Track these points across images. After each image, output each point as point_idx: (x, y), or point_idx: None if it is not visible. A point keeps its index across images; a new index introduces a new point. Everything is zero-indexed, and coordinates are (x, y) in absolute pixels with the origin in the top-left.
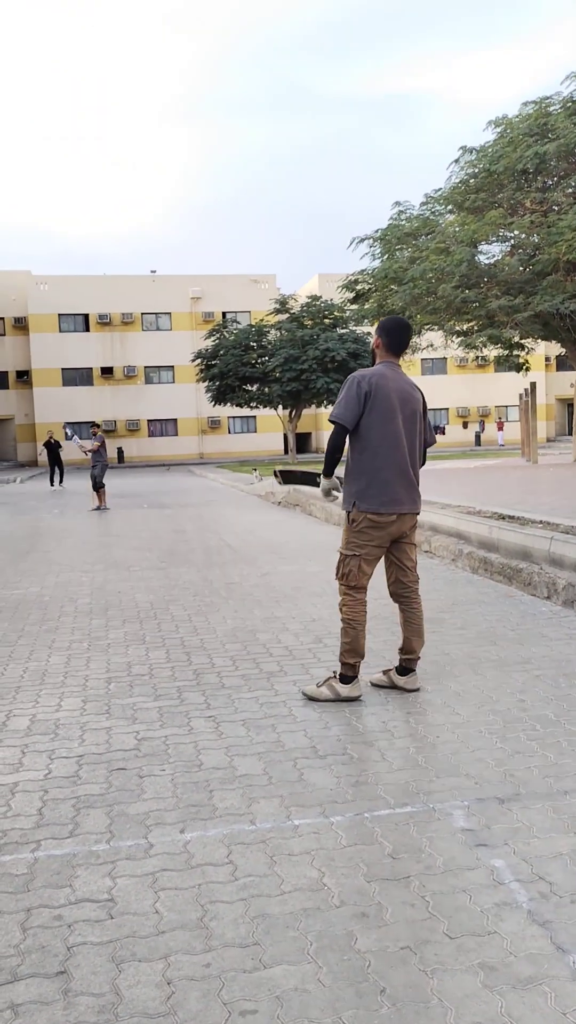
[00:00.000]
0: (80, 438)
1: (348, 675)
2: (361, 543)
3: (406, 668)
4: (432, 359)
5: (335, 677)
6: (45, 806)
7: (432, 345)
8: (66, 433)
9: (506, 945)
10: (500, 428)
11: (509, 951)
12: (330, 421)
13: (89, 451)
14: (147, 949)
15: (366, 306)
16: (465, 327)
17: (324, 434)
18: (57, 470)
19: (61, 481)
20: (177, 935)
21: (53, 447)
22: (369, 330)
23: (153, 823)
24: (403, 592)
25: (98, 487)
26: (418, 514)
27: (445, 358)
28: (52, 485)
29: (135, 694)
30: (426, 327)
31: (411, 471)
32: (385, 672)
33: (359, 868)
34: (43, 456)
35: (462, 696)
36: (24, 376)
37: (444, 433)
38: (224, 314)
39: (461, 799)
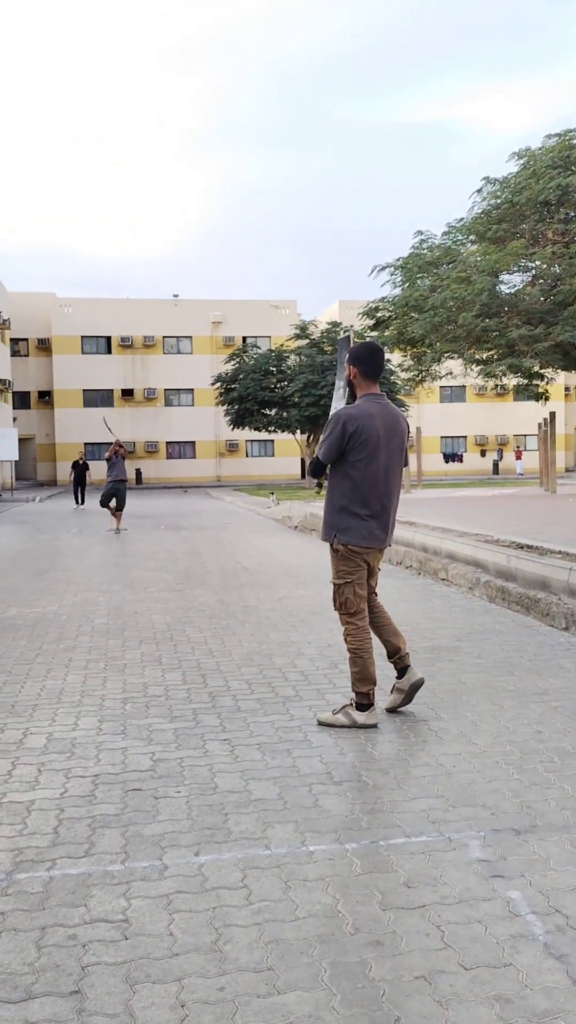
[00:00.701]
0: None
1: (364, 703)
2: (350, 569)
3: (402, 668)
4: (451, 387)
5: (351, 704)
6: (61, 825)
7: (451, 373)
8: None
9: (522, 978)
10: (518, 457)
11: (525, 984)
12: (318, 460)
13: (107, 457)
14: (161, 971)
15: (386, 333)
16: (485, 356)
17: None
18: (80, 490)
19: (83, 500)
20: (191, 958)
21: (81, 467)
22: (389, 357)
23: (168, 845)
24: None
25: (118, 508)
26: (386, 548)
27: (464, 386)
28: (77, 505)
29: (151, 715)
30: (446, 355)
31: (390, 508)
32: (394, 690)
33: (374, 896)
34: (70, 476)
35: (478, 726)
36: (46, 396)
37: (462, 461)
38: (244, 339)
39: (477, 829)
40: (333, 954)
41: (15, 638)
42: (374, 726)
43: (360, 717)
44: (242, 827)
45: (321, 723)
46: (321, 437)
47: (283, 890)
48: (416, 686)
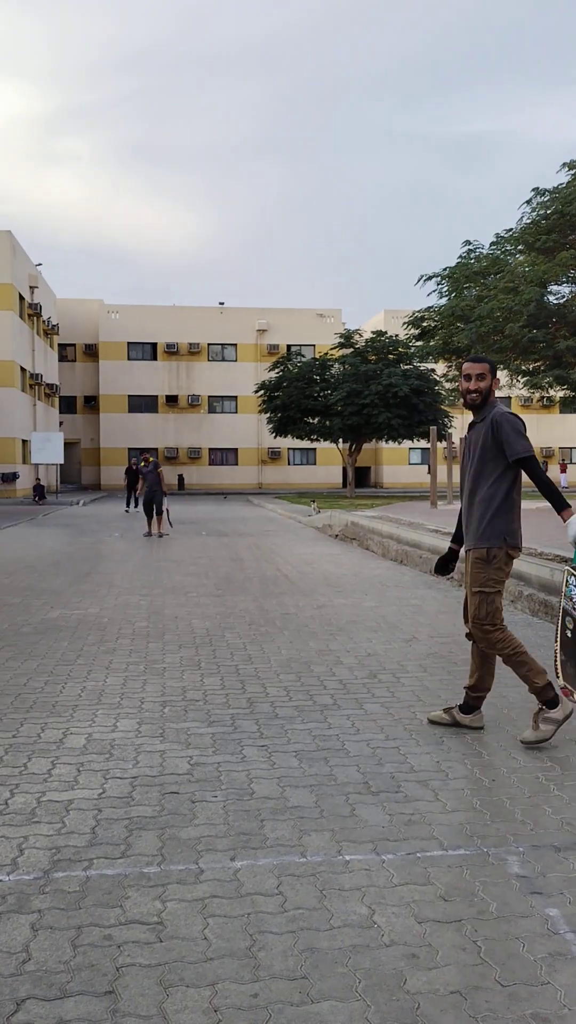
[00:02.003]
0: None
1: (552, 697)
2: (500, 578)
3: (472, 706)
4: (496, 398)
5: (543, 709)
6: (99, 825)
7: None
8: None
9: (560, 997)
10: (563, 470)
11: (563, 1003)
12: (525, 457)
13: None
14: (195, 975)
15: (431, 343)
16: (531, 367)
17: (384, 468)
18: (133, 495)
19: (138, 505)
20: (225, 963)
21: (133, 473)
22: (433, 367)
23: (204, 849)
24: None
25: (159, 512)
26: None
27: (510, 397)
28: (127, 509)
29: (189, 719)
30: None
31: None
32: (447, 710)
33: (410, 908)
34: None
35: (517, 741)
36: (92, 402)
37: None
38: (289, 347)
39: (516, 845)
40: (368, 965)
41: (57, 639)
42: (572, 713)
43: (556, 713)
44: (278, 834)
45: (528, 743)
46: (510, 436)
47: (318, 898)
48: (473, 728)
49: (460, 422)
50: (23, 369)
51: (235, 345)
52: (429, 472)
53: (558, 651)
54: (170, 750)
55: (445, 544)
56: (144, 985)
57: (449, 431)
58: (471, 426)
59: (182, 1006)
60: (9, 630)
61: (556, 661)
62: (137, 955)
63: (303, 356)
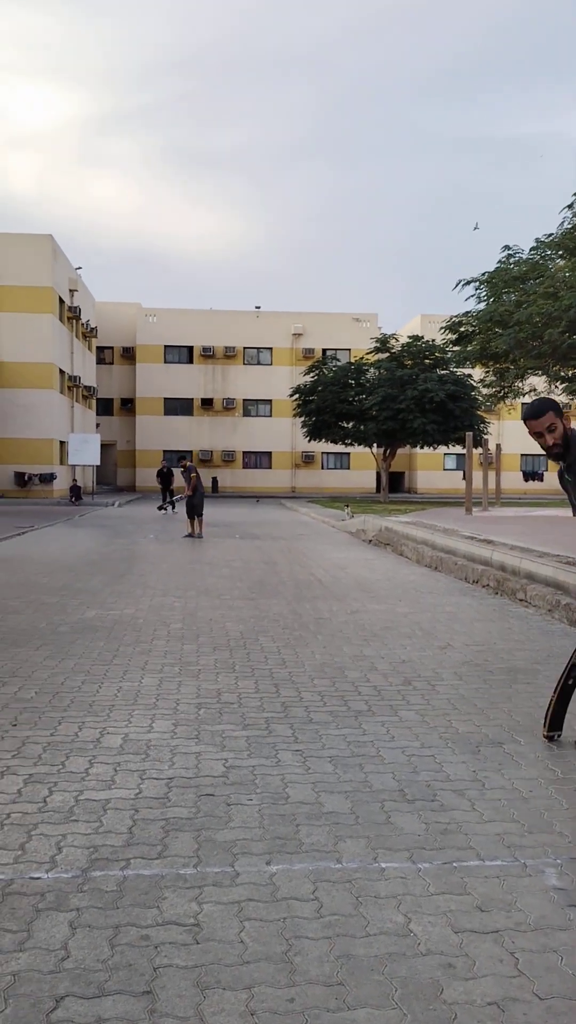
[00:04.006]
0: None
1: None
2: None
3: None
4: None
5: None
6: (135, 825)
7: (535, 390)
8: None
9: None
10: None
11: None
12: None
13: (186, 495)
14: (231, 978)
15: (469, 348)
16: (571, 372)
17: (418, 474)
18: (168, 496)
19: (174, 508)
20: (261, 967)
21: (166, 475)
22: (470, 372)
23: (240, 852)
24: None
25: (196, 515)
26: None
27: None
28: (163, 511)
29: (224, 721)
30: (529, 371)
31: None
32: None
33: (446, 917)
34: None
35: (556, 752)
36: (128, 404)
37: (542, 480)
38: (324, 351)
39: (554, 856)
40: (404, 973)
41: (93, 639)
42: None
43: None
44: (313, 839)
45: None
46: None
47: (354, 905)
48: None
49: (496, 428)
50: (62, 371)
51: (270, 349)
52: (464, 478)
53: (553, 701)
54: (205, 752)
55: (482, 552)
56: (181, 986)
57: (485, 437)
58: (568, 468)
59: (219, 1008)
60: (47, 629)
61: (549, 710)
62: (174, 956)
63: (338, 360)
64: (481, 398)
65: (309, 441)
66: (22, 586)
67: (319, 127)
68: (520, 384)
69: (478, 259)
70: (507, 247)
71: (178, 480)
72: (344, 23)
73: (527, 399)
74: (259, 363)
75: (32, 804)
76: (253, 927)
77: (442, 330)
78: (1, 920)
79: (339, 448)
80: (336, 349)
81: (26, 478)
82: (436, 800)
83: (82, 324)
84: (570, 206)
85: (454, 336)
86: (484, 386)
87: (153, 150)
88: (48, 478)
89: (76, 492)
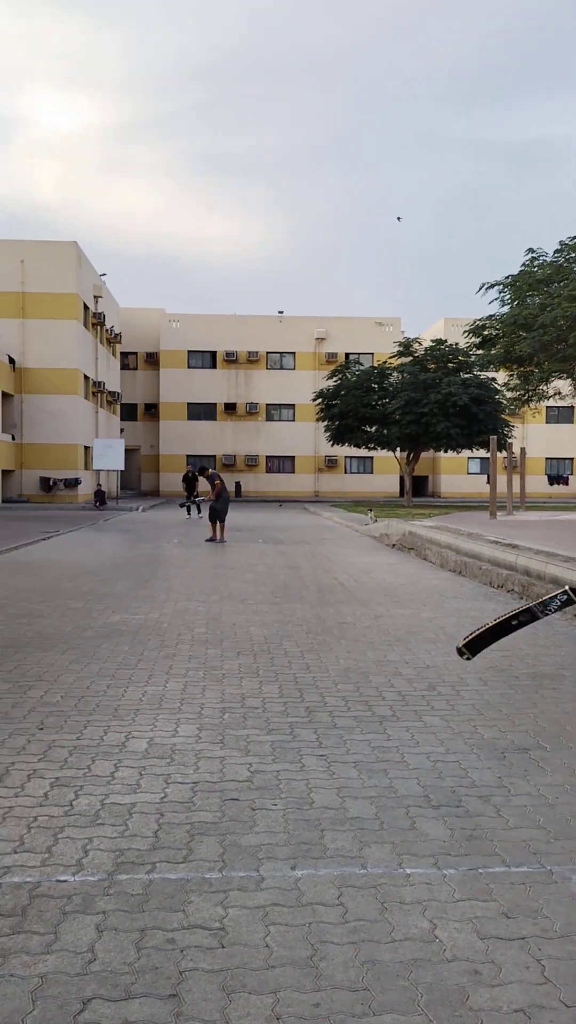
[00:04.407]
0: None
1: None
2: None
3: None
4: (558, 407)
5: None
6: (161, 829)
7: (559, 393)
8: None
9: None
10: None
11: None
12: None
13: (210, 499)
14: (257, 982)
15: (492, 351)
16: None
17: (442, 478)
18: (195, 496)
19: (199, 512)
20: (287, 971)
21: (191, 480)
22: (494, 375)
23: (265, 856)
24: None
25: (219, 520)
26: None
27: (572, 406)
28: (188, 515)
29: (248, 726)
30: (554, 375)
31: None
32: None
33: (472, 924)
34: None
35: None
36: (152, 409)
37: (567, 483)
38: (347, 355)
39: None
40: (429, 979)
41: (118, 643)
42: None
43: None
44: (338, 844)
45: None
46: None
47: (379, 911)
48: None
49: (521, 432)
50: (86, 377)
51: (293, 353)
52: (488, 482)
53: (489, 625)
54: (230, 756)
55: (507, 556)
56: (207, 990)
57: (509, 440)
58: None
59: (244, 1012)
60: (72, 633)
61: (479, 629)
62: (200, 960)
63: (361, 365)
64: (505, 402)
65: (332, 445)
66: (48, 591)
67: (338, 131)
68: (544, 388)
69: (502, 262)
70: (531, 250)
71: (203, 485)
72: (361, 27)
73: (552, 402)
74: (282, 368)
75: (59, 807)
76: (278, 932)
77: (466, 333)
78: (29, 923)
79: (362, 452)
80: (359, 353)
81: (51, 483)
82: (461, 806)
83: (106, 330)
84: None
85: (478, 339)
86: (508, 390)
87: (174, 156)
88: (73, 483)
89: (100, 497)
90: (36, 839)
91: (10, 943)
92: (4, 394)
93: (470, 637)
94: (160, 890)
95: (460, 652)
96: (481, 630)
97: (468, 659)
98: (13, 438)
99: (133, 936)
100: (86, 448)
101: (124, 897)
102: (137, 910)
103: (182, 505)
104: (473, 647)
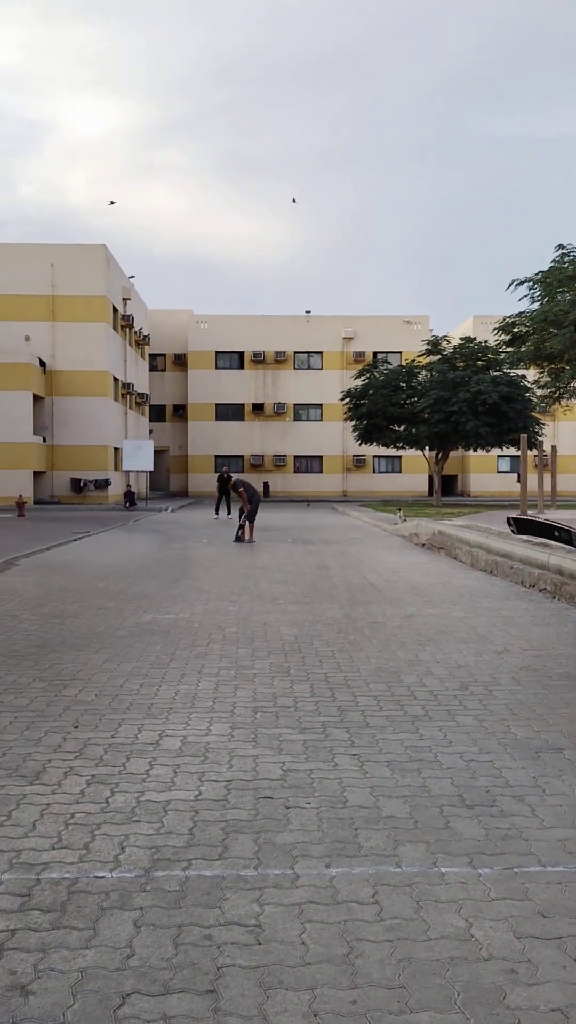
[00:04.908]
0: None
1: None
2: None
3: None
4: None
5: None
6: (196, 827)
7: None
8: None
9: None
10: None
11: None
12: None
13: (245, 508)
14: (294, 978)
15: (522, 348)
16: None
17: (471, 476)
18: (225, 500)
19: (229, 512)
20: (323, 968)
21: (224, 481)
22: (524, 373)
23: (299, 854)
24: None
25: (248, 520)
26: None
27: None
28: (216, 516)
29: (281, 725)
30: None
31: None
32: None
33: (508, 923)
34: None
35: None
36: (180, 410)
37: None
38: (375, 354)
39: None
40: (466, 977)
41: (150, 643)
42: None
43: None
44: (372, 843)
45: None
46: None
47: (415, 909)
48: None
49: (552, 430)
50: (116, 379)
51: (321, 353)
52: (519, 481)
53: (540, 519)
54: (263, 755)
55: (539, 555)
56: (244, 986)
57: (540, 438)
58: None
59: (282, 1008)
60: (105, 633)
61: (532, 516)
62: (237, 956)
63: (389, 363)
64: (535, 399)
65: (360, 445)
66: (80, 591)
67: (363, 129)
68: (574, 384)
69: (532, 259)
70: (561, 246)
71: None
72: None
73: None
74: (309, 367)
75: (95, 804)
76: (314, 929)
77: (495, 331)
78: (68, 918)
79: (390, 451)
80: (387, 352)
81: (82, 484)
82: (496, 805)
83: (135, 332)
84: None
85: (507, 337)
86: (539, 387)
87: (200, 158)
88: (103, 484)
89: (130, 498)
90: (74, 836)
91: (50, 938)
92: (35, 396)
93: (522, 517)
94: (196, 887)
95: (508, 522)
96: (533, 518)
97: (513, 532)
98: (44, 440)
99: (170, 932)
100: (116, 449)
101: (161, 893)
102: (174, 906)
103: (218, 515)
104: (521, 526)
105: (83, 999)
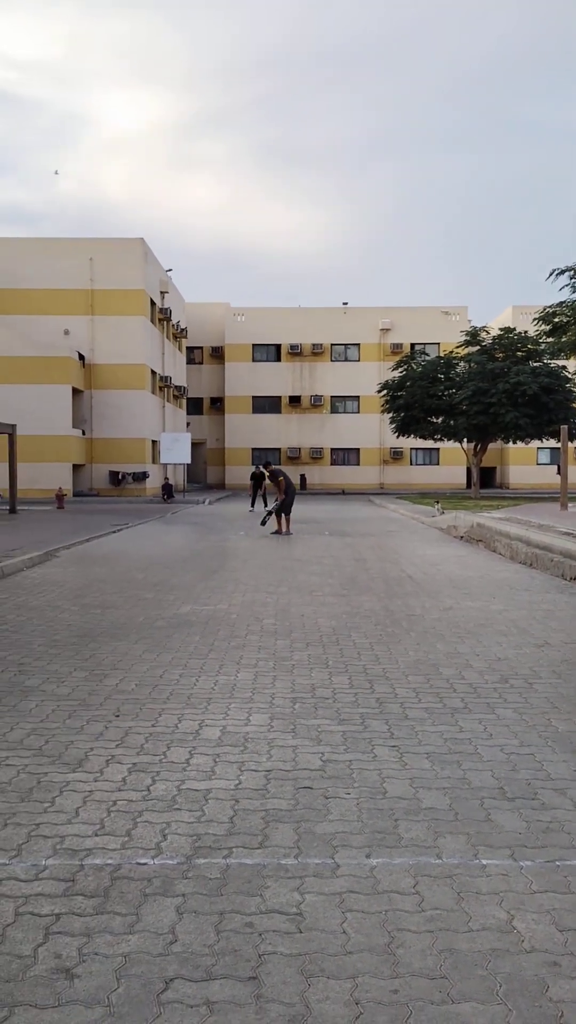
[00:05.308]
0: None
1: None
2: None
3: None
4: None
5: None
6: (236, 815)
7: None
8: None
9: None
10: None
11: None
12: None
13: (279, 499)
14: (335, 967)
15: (563, 339)
16: None
17: (510, 469)
18: (260, 494)
19: (266, 505)
20: (364, 957)
21: (258, 478)
22: (565, 363)
23: (339, 844)
24: None
25: (284, 513)
26: None
27: None
28: (251, 508)
29: (319, 716)
30: None
31: None
32: None
33: (550, 916)
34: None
35: None
36: (218, 403)
37: None
38: (413, 345)
39: None
40: (508, 969)
41: (189, 634)
42: None
43: None
44: (412, 834)
45: None
46: None
47: (456, 900)
48: None
49: None
50: (153, 372)
51: (358, 345)
52: (559, 473)
53: None
54: (302, 746)
55: None
56: (286, 974)
57: None
58: None
59: (324, 996)
60: (145, 624)
61: None
62: (278, 944)
63: (427, 355)
64: None
65: (397, 437)
66: (120, 582)
67: (400, 119)
68: None
69: (573, 248)
70: None
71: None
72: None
73: None
74: (347, 359)
75: (136, 792)
76: (355, 918)
77: (535, 321)
78: (111, 904)
79: (428, 444)
80: (425, 343)
81: (120, 477)
82: (537, 798)
83: (172, 325)
84: None
85: (548, 327)
86: None
87: (237, 150)
88: (141, 477)
89: (168, 490)
90: (116, 823)
91: (94, 923)
92: (74, 390)
93: None
94: (237, 875)
95: None
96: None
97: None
98: (83, 433)
99: (212, 919)
100: (153, 442)
101: (203, 881)
102: (215, 894)
103: (265, 512)
104: None
105: (127, 983)
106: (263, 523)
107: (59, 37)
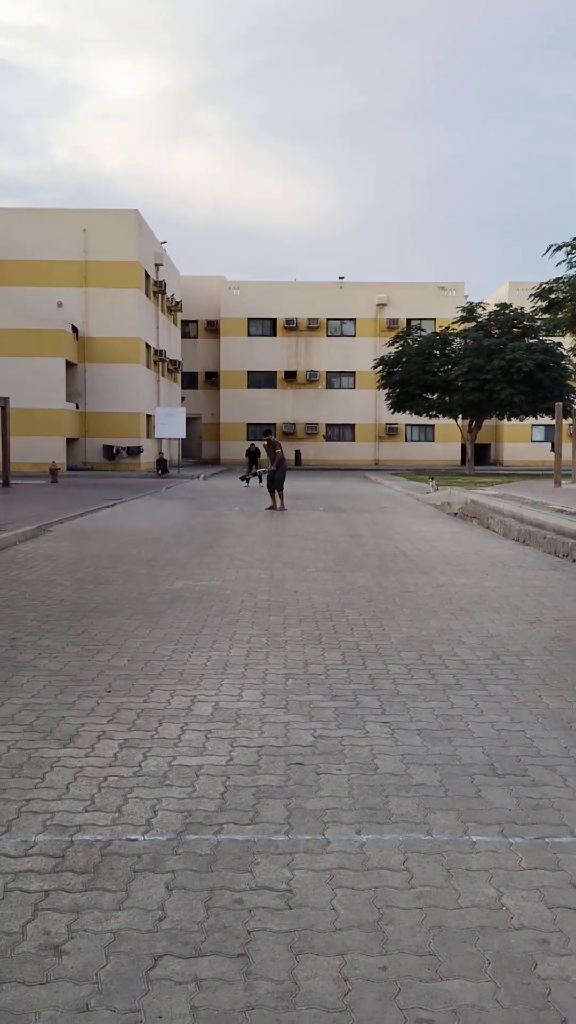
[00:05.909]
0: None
1: None
2: None
3: None
4: None
5: None
6: (227, 791)
7: None
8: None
9: None
10: None
11: None
12: None
13: (269, 468)
14: (324, 944)
15: (559, 315)
16: None
17: (505, 446)
18: (255, 468)
19: (260, 480)
20: (353, 934)
21: (254, 454)
22: (560, 340)
23: (330, 820)
24: None
25: (277, 488)
26: None
27: None
28: (246, 484)
29: (312, 692)
30: None
31: None
32: None
33: (539, 893)
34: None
35: None
36: (213, 377)
37: None
38: (409, 321)
39: None
40: (496, 946)
41: (182, 610)
42: None
43: None
44: (403, 810)
45: None
46: None
47: (445, 877)
48: None
49: None
50: (148, 346)
51: (354, 320)
52: (553, 450)
53: None
54: (294, 722)
55: (571, 525)
56: (275, 950)
57: (575, 407)
58: None
59: (312, 973)
60: (137, 599)
61: None
62: (268, 920)
63: (423, 331)
64: (572, 367)
65: (393, 413)
66: (113, 557)
67: (399, 92)
68: None
69: (570, 224)
70: None
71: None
72: None
73: None
74: (342, 335)
75: (128, 768)
76: (345, 895)
77: (531, 297)
78: (101, 880)
79: (423, 420)
80: (421, 319)
81: (114, 451)
82: (527, 775)
83: (167, 298)
84: None
85: (544, 303)
86: (575, 355)
87: (234, 121)
88: (135, 451)
89: (162, 465)
90: (107, 799)
91: (83, 899)
92: (68, 363)
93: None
94: (227, 851)
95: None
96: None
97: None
98: (77, 407)
99: (202, 895)
100: (148, 416)
101: (193, 857)
102: (205, 870)
103: (243, 478)
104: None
105: (115, 960)
106: (243, 480)
107: (49, 3)
